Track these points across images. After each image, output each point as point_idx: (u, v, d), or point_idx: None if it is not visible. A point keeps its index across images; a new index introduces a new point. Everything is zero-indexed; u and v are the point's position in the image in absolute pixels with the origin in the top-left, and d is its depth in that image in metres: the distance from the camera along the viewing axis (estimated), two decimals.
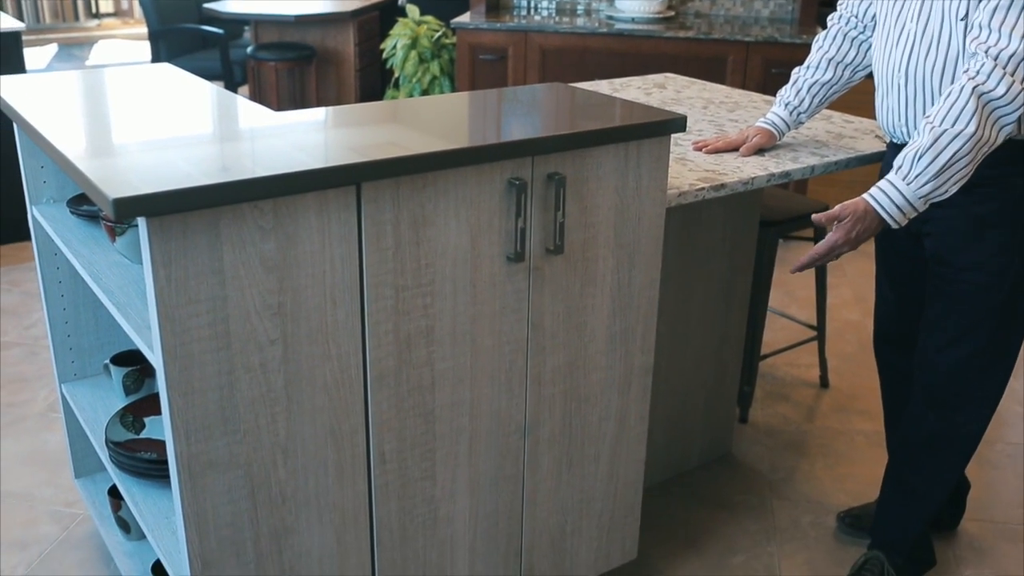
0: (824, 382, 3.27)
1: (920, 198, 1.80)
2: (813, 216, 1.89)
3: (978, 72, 1.73)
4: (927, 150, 1.76)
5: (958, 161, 1.76)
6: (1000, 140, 1.77)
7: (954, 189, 1.79)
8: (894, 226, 1.85)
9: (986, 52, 1.72)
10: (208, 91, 1.93)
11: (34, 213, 2.10)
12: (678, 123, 1.80)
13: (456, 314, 1.66)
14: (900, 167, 1.81)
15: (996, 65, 1.71)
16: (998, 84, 1.71)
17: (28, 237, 4.30)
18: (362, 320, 1.55)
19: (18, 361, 3.30)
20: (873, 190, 1.85)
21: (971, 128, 1.72)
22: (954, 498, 2.48)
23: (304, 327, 1.49)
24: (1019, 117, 1.75)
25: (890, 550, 2.24)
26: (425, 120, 1.71)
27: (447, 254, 1.61)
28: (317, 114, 1.73)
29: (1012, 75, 1.71)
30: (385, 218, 1.51)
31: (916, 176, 1.79)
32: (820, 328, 3.20)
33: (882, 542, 2.26)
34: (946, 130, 1.74)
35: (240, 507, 1.53)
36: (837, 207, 1.88)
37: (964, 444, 2.11)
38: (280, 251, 1.43)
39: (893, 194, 1.82)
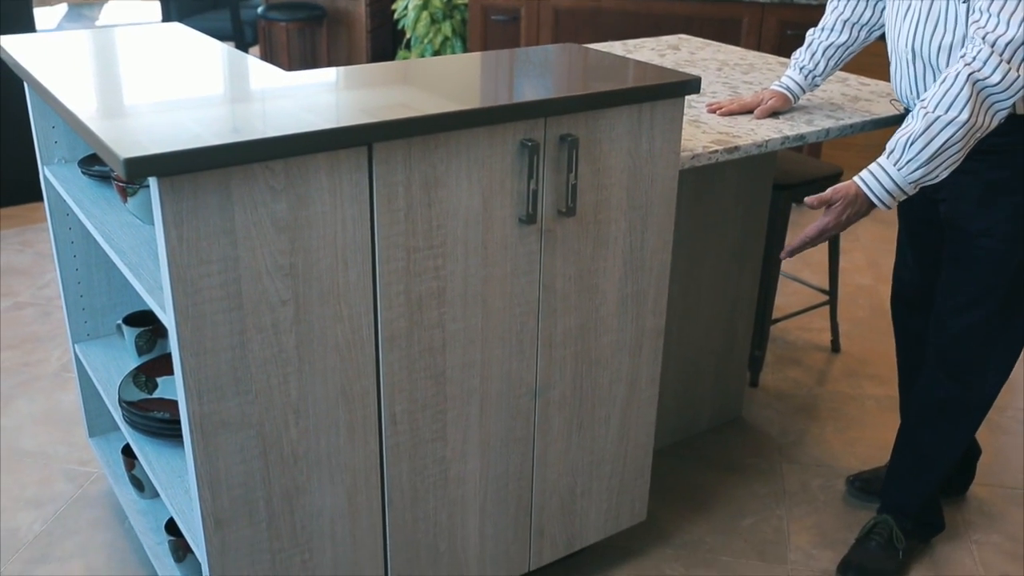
0: (835, 346, 3.27)
1: (911, 183, 1.81)
2: (806, 200, 1.88)
3: (974, 58, 1.71)
4: (919, 136, 1.76)
5: (950, 147, 1.75)
6: (994, 124, 1.77)
7: (945, 174, 1.79)
8: (884, 209, 1.85)
9: (983, 38, 1.70)
10: (219, 51, 1.92)
11: (46, 173, 2.10)
12: (692, 85, 1.78)
13: (467, 276, 1.66)
14: (892, 151, 1.81)
15: (992, 52, 1.69)
16: (993, 71, 1.70)
17: (40, 198, 4.30)
18: (373, 281, 1.55)
19: (31, 321, 3.32)
20: (864, 174, 1.85)
21: (964, 116, 1.72)
22: (965, 463, 2.48)
23: (316, 288, 1.49)
24: (1014, 103, 1.74)
25: (899, 514, 2.25)
26: (437, 81, 1.70)
27: (459, 215, 1.60)
28: (328, 75, 1.72)
29: (1008, 62, 1.69)
30: (397, 179, 1.51)
31: (908, 162, 1.79)
32: (832, 292, 3.19)
33: (891, 506, 2.27)
34: (939, 116, 1.74)
35: (252, 467, 1.54)
36: (829, 191, 1.88)
37: (975, 410, 2.11)
38: (291, 212, 1.42)
39: (883, 179, 1.82)
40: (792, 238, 1.87)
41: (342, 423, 1.61)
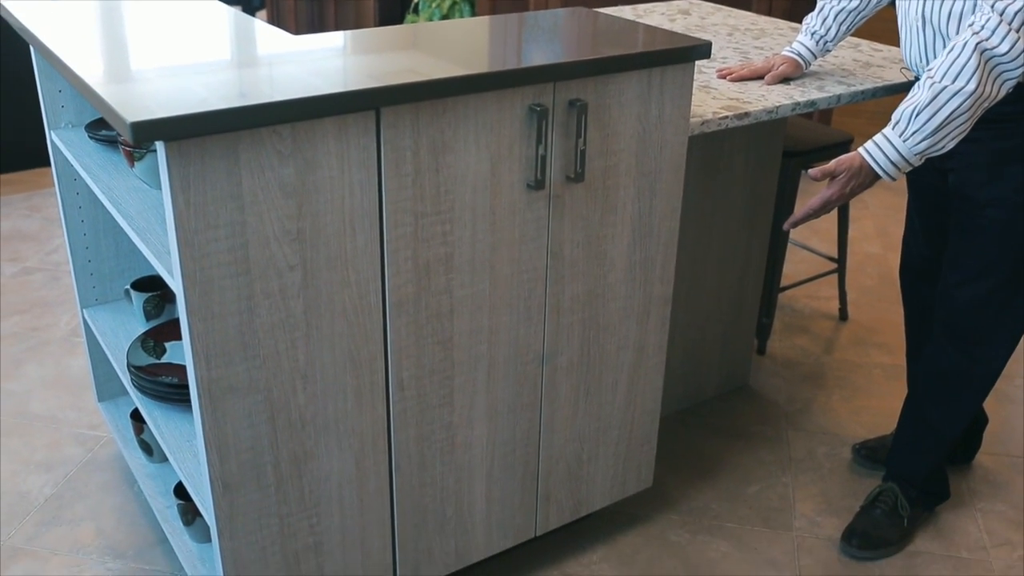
0: (843, 315, 3.26)
1: (916, 154, 1.79)
2: (810, 172, 1.87)
3: (982, 27, 1.68)
4: (926, 106, 1.74)
5: (957, 118, 1.73)
6: (1002, 94, 1.74)
7: (951, 144, 1.78)
8: (889, 180, 1.84)
9: (992, 6, 1.67)
10: (226, 15, 1.91)
11: (52, 138, 2.09)
12: (702, 50, 1.76)
13: (475, 241, 1.65)
14: (897, 123, 1.79)
15: (1001, 21, 1.66)
16: (1002, 40, 1.67)
17: (48, 163, 4.30)
18: (381, 247, 1.55)
19: (40, 286, 3.33)
20: (869, 145, 1.83)
21: (971, 86, 1.70)
22: (971, 432, 2.48)
23: (323, 253, 1.49)
24: (1020, 75, 1.71)
25: (904, 482, 2.26)
26: (445, 45, 1.69)
27: (467, 181, 1.60)
28: (336, 39, 1.71)
29: (1017, 31, 1.66)
30: (405, 144, 1.50)
31: (913, 133, 1.77)
32: (841, 261, 3.17)
33: (897, 474, 2.27)
34: (946, 87, 1.72)
35: (260, 431, 1.55)
36: (833, 162, 1.87)
37: (982, 380, 2.10)
38: (299, 176, 1.42)
39: (888, 150, 1.80)
40: (799, 207, 1.85)
41: (350, 388, 1.61)
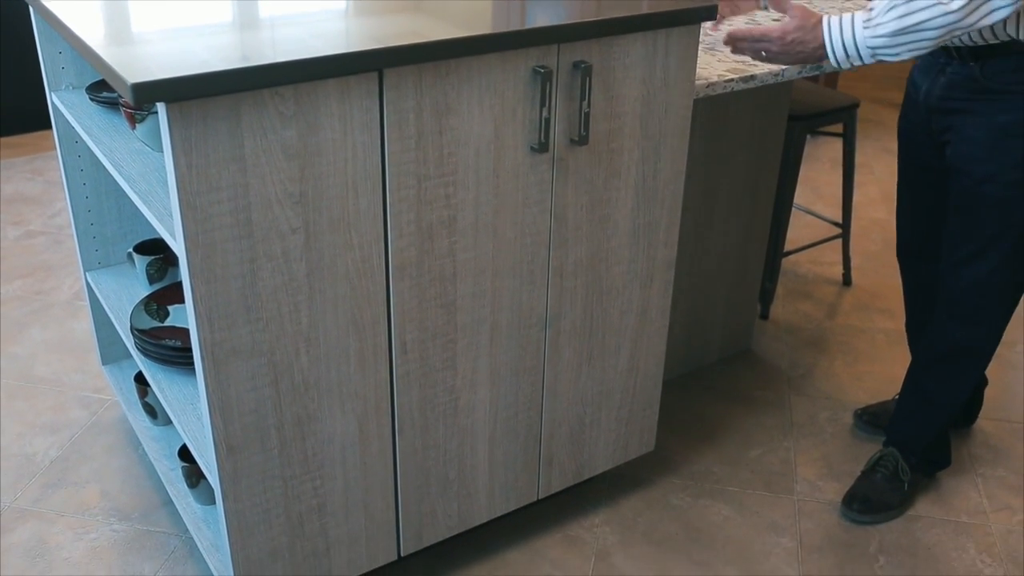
0: (847, 280, 3.26)
1: (868, 48, 1.70)
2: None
3: None
4: (902, 4, 1.64)
5: (924, 30, 1.64)
6: (983, 23, 1.62)
7: (906, 55, 1.69)
8: (831, 61, 1.75)
9: None
10: None
11: (53, 100, 2.08)
12: (708, 12, 1.75)
13: (478, 204, 1.65)
14: (871, 10, 1.69)
15: None
16: None
17: (49, 125, 4.28)
18: (384, 209, 1.54)
19: (43, 250, 3.32)
20: (833, 17, 1.74)
21: (954, 4, 1.60)
22: (972, 397, 2.48)
23: (326, 216, 1.48)
24: (1014, 10, 1.61)
25: (904, 449, 2.27)
26: (448, 8, 1.67)
27: (470, 144, 1.59)
28: (338, 2, 1.69)
29: None
30: (407, 106, 1.49)
31: (877, 25, 1.67)
32: (845, 226, 3.17)
33: (897, 440, 2.28)
34: None
35: (263, 394, 1.55)
36: (794, 4, 1.77)
37: (983, 356, 2.10)
38: (301, 139, 1.41)
39: (847, 30, 1.71)
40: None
41: (352, 351, 1.62)
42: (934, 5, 1.61)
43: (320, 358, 1.58)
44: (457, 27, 1.54)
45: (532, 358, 1.87)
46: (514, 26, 1.56)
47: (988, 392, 2.63)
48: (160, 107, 1.30)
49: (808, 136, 4.29)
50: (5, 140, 4.22)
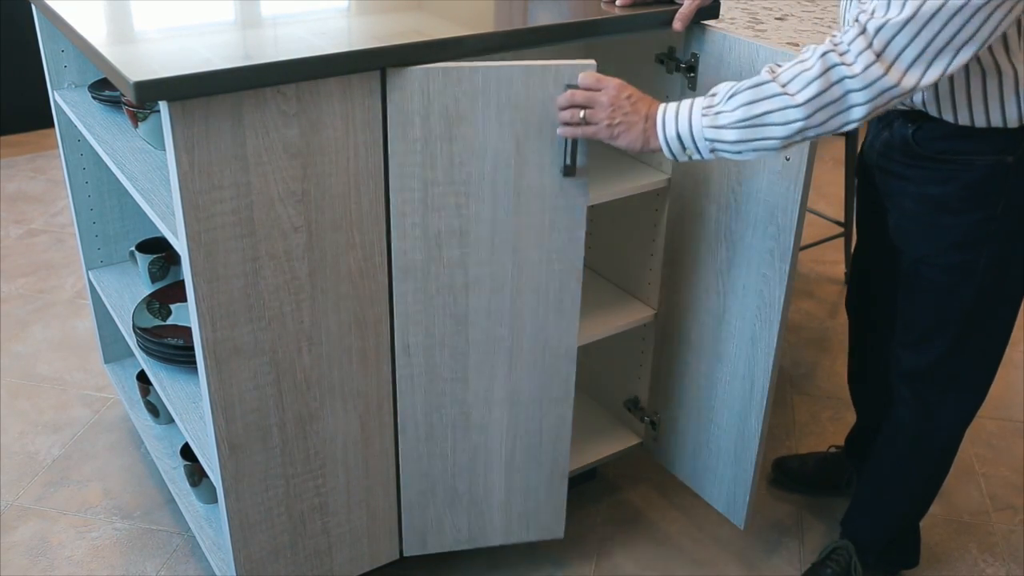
0: (849, 279, 3.25)
1: (705, 140, 1.43)
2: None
3: (841, 40, 1.34)
4: (747, 90, 1.40)
5: (768, 127, 1.39)
6: (836, 125, 1.37)
7: (747, 155, 1.43)
8: (663, 148, 1.47)
9: (856, 19, 1.35)
10: None
11: (56, 98, 2.08)
12: (711, 10, 1.74)
13: (495, 220, 1.59)
14: (714, 95, 1.44)
15: (861, 34, 1.32)
16: (857, 57, 1.32)
17: (52, 124, 4.28)
18: (387, 209, 1.54)
19: (46, 248, 3.33)
20: (671, 103, 1.48)
21: (800, 98, 1.35)
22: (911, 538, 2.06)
23: (328, 215, 1.48)
24: (868, 110, 1.35)
25: (860, 546, 2.01)
26: (452, 7, 1.67)
27: (486, 156, 1.54)
28: (340, 1, 1.70)
29: (877, 53, 1.32)
30: (412, 108, 1.48)
31: (717, 113, 1.42)
32: (847, 225, 3.16)
33: (852, 537, 2.02)
34: (777, 85, 1.38)
35: (265, 393, 1.55)
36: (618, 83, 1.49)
37: (940, 443, 1.85)
38: (303, 137, 1.41)
39: (683, 113, 1.45)
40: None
41: (355, 350, 1.61)
42: (779, 95, 1.38)
43: (322, 356, 1.58)
44: (460, 26, 1.53)
45: (560, 389, 1.80)
46: (517, 25, 1.56)
47: (990, 392, 2.62)
48: (162, 105, 1.30)
49: None
50: (7, 138, 4.22)
